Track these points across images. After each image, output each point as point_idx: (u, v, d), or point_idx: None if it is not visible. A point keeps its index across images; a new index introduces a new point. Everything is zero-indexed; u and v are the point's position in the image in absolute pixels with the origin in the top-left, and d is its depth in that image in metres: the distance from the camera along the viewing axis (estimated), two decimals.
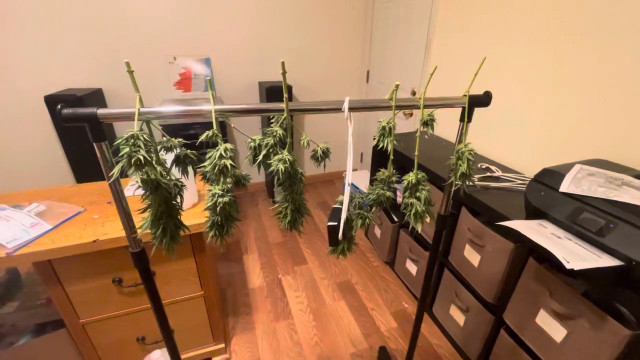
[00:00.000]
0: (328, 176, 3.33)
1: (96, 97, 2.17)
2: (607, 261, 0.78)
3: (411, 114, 2.25)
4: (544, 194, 1.00)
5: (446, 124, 1.96)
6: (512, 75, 1.50)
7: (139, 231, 0.66)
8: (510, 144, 1.56)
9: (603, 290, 0.95)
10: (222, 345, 1.45)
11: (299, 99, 2.87)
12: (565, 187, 0.96)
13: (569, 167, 1.04)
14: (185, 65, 2.37)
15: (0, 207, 1.11)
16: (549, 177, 1.02)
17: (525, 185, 1.31)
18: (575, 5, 1.21)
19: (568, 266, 0.74)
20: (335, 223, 0.68)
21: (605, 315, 0.86)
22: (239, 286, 1.89)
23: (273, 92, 2.36)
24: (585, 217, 0.87)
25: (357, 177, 2.67)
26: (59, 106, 0.53)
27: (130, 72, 0.55)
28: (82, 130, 1.99)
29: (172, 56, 2.33)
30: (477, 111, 1.65)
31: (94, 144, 0.57)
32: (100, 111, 0.55)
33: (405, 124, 2.36)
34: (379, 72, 2.71)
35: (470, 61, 1.75)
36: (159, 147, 0.62)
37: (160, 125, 2.28)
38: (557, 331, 0.99)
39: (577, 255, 0.80)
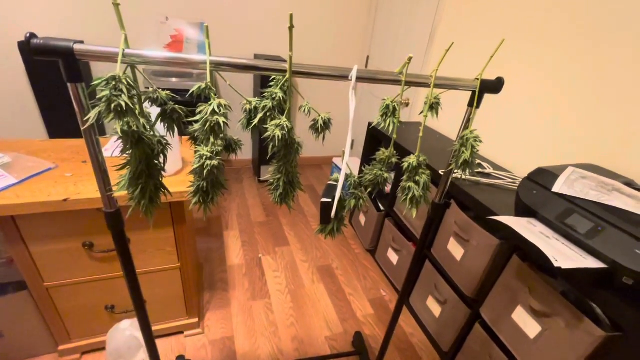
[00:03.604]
0: (316, 160, 3.28)
1: None
2: (592, 262, 0.78)
3: (407, 104, 2.21)
4: (536, 193, 0.99)
5: (444, 118, 1.94)
6: (512, 74, 1.48)
7: (114, 188, 0.60)
8: (503, 142, 1.56)
9: (582, 290, 0.96)
10: (196, 319, 1.42)
11: (291, 52, 2.78)
12: (558, 187, 0.96)
13: (562, 168, 1.04)
14: (177, 27, 2.23)
15: None
16: (543, 177, 1.02)
17: (515, 185, 1.32)
18: (581, 10, 1.19)
19: (557, 264, 0.74)
20: (330, 200, 0.65)
21: (581, 315, 0.88)
22: (217, 262, 1.85)
23: None
24: (575, 219, 0.87)
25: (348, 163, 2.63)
26: (28, 34, 0.46)
27: (116, 5, 0.48)
28: (58, 82, 1.84)
29: (164, 16, 2.18)
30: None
31: (68, 84, 0.50)
32: (78, 46, 0.48)
33: (404, 112, 2.32)
34: (379, 59, 2.65)
35: (472, 55, 1.72)
36: (143, 98, 0.55)
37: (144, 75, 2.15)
38: (531, 327, 1.01)
39: (564, 254, 0.80)
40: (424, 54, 2.05)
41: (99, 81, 0.46)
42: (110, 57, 0.49)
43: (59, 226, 1.01)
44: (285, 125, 0.57)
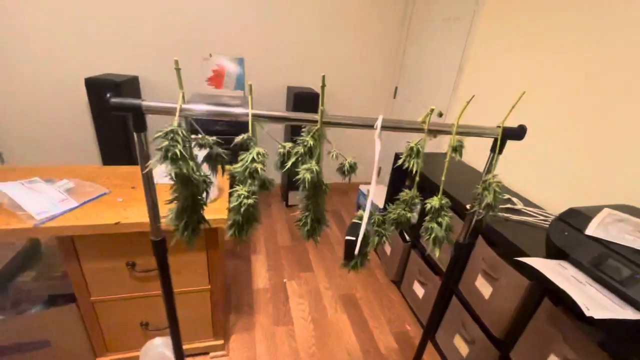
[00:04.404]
0: (343, 186, 3.33)
1: (132, 84, 2.26)
2: (630, 314, 0.75)
3: (435, 136, 2.23)
4: (567, 235, 0.97)
5: (471, 150, 1.93)
6: (545, 109, 1.47)
7: (162, 221, 0.68)
8: (535, 177, 1.52)
9: (621, 342, 0.90)
10: (221, 341, 1.46)
11: (327, 114, 2.89)
12: (592, 230, 0.93)
13: (596, 209, 1.01)
14: (219, 63, 2.44)
15: (33, 179, 1.16)
16: (575, 218, 0.99)
17: (547, 222, 1.28)
18: (616, 47, 1.19)
19: (588, 314, 0.71)
20: (354, 238, 0.68)
21: None
22: (243, 285, 1.91)
23: (300, 98, 2.40)
24: (611, 264, 0.84)
25: (374, 191, 2.65)
26: (108, 95, 0.56)
27: (177, 70, 0.57)
28: (116, 117, 2.07)
29: (208, 53, 2.41)
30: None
31: (135, 133, 0.59)
32: (145, 103, 0.58)
33: (429, 144, 2.34)
34: (407, 90, 2.71)
35: (502, 88, 1.73)
36: (193, 143, 0.64)
37: (192, 119, 2.35)
38: None
39: (598, 302, 0.77)
40: (453, 84, 2.08)
41: (160, 133, 0.55)
42: (169, 112, 0.59)
43: (108, 246, 1.12)
44: (314, 170, 0.63)
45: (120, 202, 1.16)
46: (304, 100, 2.41)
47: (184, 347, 1.40)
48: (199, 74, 2.46)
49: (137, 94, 2.35)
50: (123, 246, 1.13)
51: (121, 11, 2.20)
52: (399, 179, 2.06)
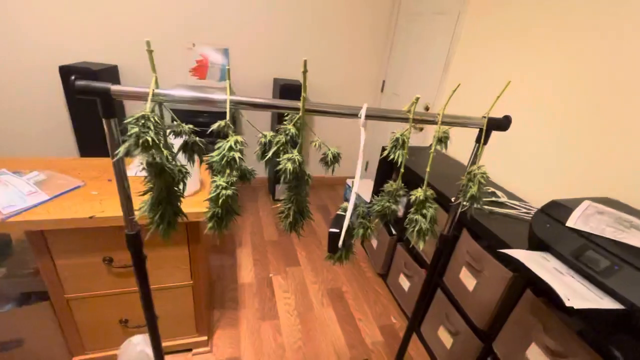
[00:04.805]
0: (330, 180, 3.31)
1: (111, 73, 2.17)
2: (608, 303, 0.76)
3: (422, 129, 2.23)
4: (549, 227, 0.98)
5: (456, 143, 1.94)
6: (528, 101, 1.49)
7: (136, 213, 0.64)
8: (518, 171, 1.54)
9: (599, 331, 0.92)
10: (205, 337, 1.43)
11: (310, 101, 2.86)
12: (573, 222, 0.94)
13: (577, 202, 1.02)
14: (202, 53, 2.37)
15: (0, 170, 1.10)
16: (557, 210, 1.00)
17: (530, 214, 1.30)
18: (599, 39, 1.20)
19: (568, 304, 0.72)
20: (337, 230, 0.67)
21: (598, 357, 0.84)
22: (228, 280, 1.88)
23: (288, 89, 2.36)
24: (590, 256, 0.85)
25: (361, 186, 2.65)
26: (73, 77, 0.52)
27: (150, 52, 0.54)
28: (92, 105, 1.98)
29: (191, 42, 2.33)
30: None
31: (103, 119, 0.55)
32: (114, 87, 0.54)
33: (415, 138, 2.34)
34: (395, 83, 2.70)
35: (487, 82, 1.74)
36: (167, 131, 0.60)
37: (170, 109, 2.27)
38: None
39: (578, 293, 0.78)
40: (440, 77, 2.09)
41: (130, 118, 0.51)
42: (141, 97, 0.55)
43: (83, 241, 1.07)
44: (296, 159, 0.60)
45: (96, 195, 1.11)
46: (291, 91, 2.37)
47: (166, 343, 1.37)
48: (183, 65, 2.38)
49: (116, 83, 2.26)
50: (99, 241, 1.09)
51: None
52: (385, 172, 2.05)
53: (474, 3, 1.81)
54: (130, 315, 1.27)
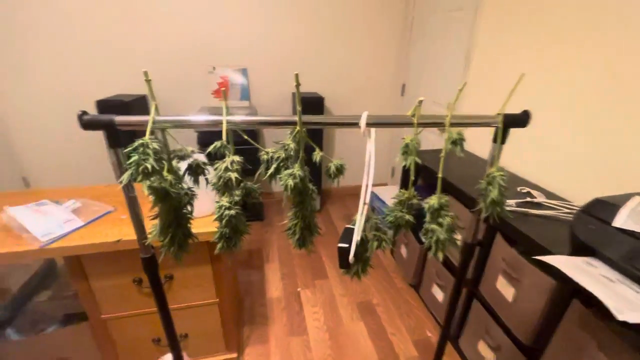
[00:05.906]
0: (356, 189, 3.25)
1: (141, 102, 2.32)
2: None
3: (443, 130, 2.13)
4: (594, 228, 0.87)
5: (484, 142, 1.83)
6: (563, 93, 1.37)
7: (148, 236, 0.66)
8: (556, 167, 1.41)
9: None
10: (235, 354, 1.44)
11: (332, 112, 2.86)
12: (621, 221, 0.83)
13: (625, 198, 0.90)
14: (222, 75, 2.47)
15: (42, 201, 1.19)
16: (601, 209, 0.90)
17: (571, 215, 1.17)
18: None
19: (621, 318, 0.63)
20: (346, 245, 0.64)
21: None
22: (257, 295, 1.88)
23: (305, 103, 2.38)
24: None
25: (386, 192, 2.58)
26: (80, 112, 0.55)
27: (148, 82, 0.55)
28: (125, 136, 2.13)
29: (211, 66, 2.44)
30: (520, 129, 1.53)
31: (109, 149, 0.58)
32: (118, 118, 0.56)
33: (439, 140, 2.25)
34: (415, 86, 2.63)
35: (513, 78, 1.63)
36: (172, 155, 0.62)
37: (196, 132, 2.38)
38: None
39: (632, 303, 0.68)
40: (461, 76, 2.00)
41: (130, 148, 0.53)
42: (143, 125, 0.57)
43: (114, 264, 1.12)
44: (297, 174, 0.59)
45: (125, 219, 1.16)
46: (310, 104, 2.39)
47: None
48: (205, 88, 2.49)
49: (145, 111, 2.41)
50: (128, 263, 1.14)
51: (131, 34, 2.27)
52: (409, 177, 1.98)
53: None
54: (162, 334, 1.30)
